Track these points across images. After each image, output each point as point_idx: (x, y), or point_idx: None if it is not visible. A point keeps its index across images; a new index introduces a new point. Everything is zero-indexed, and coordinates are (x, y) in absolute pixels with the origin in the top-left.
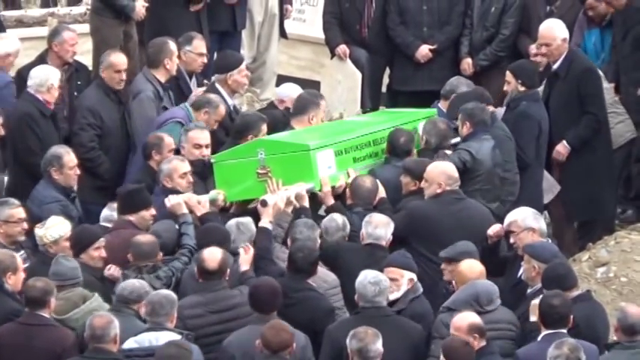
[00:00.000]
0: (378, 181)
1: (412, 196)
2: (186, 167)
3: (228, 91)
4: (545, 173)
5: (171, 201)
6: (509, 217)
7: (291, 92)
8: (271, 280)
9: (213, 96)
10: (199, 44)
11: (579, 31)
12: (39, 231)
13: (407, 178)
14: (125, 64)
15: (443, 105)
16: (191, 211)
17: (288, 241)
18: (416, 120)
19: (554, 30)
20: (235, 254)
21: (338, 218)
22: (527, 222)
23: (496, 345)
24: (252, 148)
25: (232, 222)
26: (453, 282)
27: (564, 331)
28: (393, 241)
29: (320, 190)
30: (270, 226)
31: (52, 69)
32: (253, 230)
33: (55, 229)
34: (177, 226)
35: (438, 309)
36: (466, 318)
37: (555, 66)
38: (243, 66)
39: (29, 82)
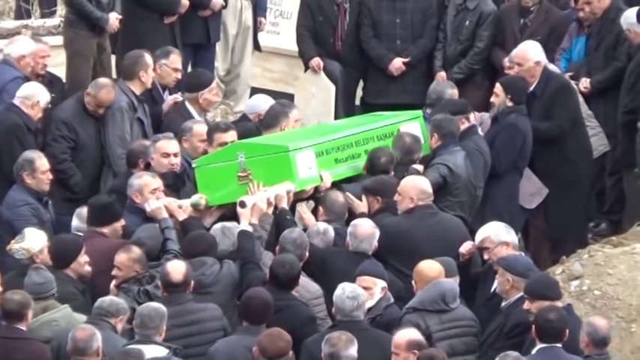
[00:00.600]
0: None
1: (381, 214)
2: (157, 183)
3: (199, 109)
4: (533, 176)
5: (151, 205)
6: (482, 234)
7: (262, 103)
8: (264, 293)
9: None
10: (176, 59)
11: (569, 37)
12: (23, 244)
13: (369, 197)
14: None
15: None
16: (172, 216)
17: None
18: (399, 122)
19: (528, 52)
20: (222, 259)
21: (321, 225)
22: (500, 237)
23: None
24: (233, 152)
25: (218, 226)
26: (413, 282)
27: (559, 345)
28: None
29: (301, 191)
30: (250, 228)
31: (43, 89)
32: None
33: (36, 239)
34: (161, 235)
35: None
36: (405, 335)
37: (532, 87)
38: (213, 84)
39: (17, 94)
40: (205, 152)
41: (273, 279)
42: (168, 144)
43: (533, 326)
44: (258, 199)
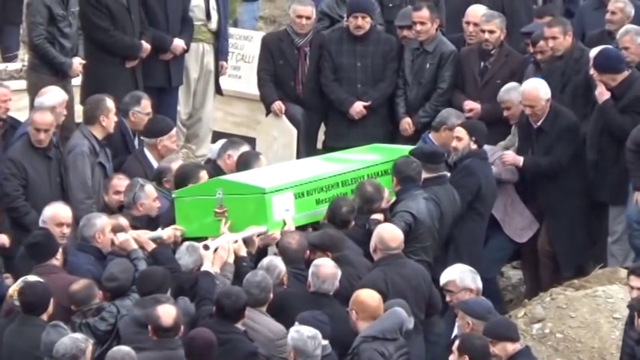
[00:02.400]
0: (304, 236)
1: None
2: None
3: (157, 155)
4: (526, 211)
5: (119, 238)
6: (447, 276)
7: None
8: (207, 333)
9: (161, 166)
10: (147, 104)
11: (526, 79)
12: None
13: (319, 253)
14: (47, 123)
15: (433, 137)
16: (142, 247)
17: None
18: (389, 161)
19: (538, 91)
20: (185, 275)
21: (265, 261)
22: (465, 282)
23: None
24: (212, 187)
25: (184, 245)
26: (353, 312)
27: None
28: None
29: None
30: (212, 270)
31: None
32: (199, 254)
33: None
34: (133, 268)
35: None
36: None
37: (539, 123)
38: (173, 132)
39: None
40: None
41: (219, 311)
42: (152, 188)
43: None
44: (223, 242)
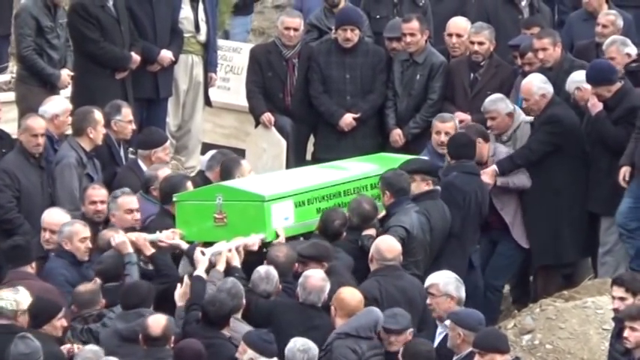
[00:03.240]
0: (293, 248)
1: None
2: (86, 232)
3: (149, 166)
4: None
5: (116, 239)
6: (432, 279)
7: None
8: (195, 343)
9: (147, 174)
10: (127, 112)
11: (515, 91)
12: (17, 296)
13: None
14: (43, 128)
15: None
16: (139, 251)
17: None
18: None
19: (532, 85)
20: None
21: (261, 269)
22: (447, 288)
23: None
24: (212, 192)
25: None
26: (333, 308)
27: None
28: None
29: (271, 242)
30: (204, 275)
31: None
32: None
33: (28, 299)
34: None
35: None
36: None
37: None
38: (167, 144)
39: None
40: None
41: (204, 317)
42: (130, 200)
43: None
44: (222, 249)
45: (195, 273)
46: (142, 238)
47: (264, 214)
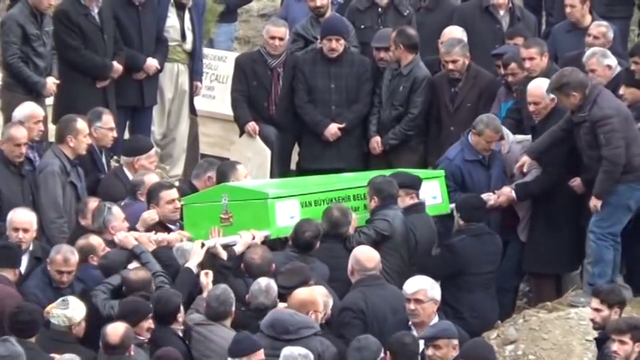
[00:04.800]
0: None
1: None
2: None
3: (134, 174)
4: None
5: (119, 237)
6: (417, 285)
7: None
8: (175, 353)
9: (135, 180)
10: (108, 119)
11: (498, 102)
12: (66, 312)
13: None
14: (25, 137)
15: (472, 138)
16: None
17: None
18: None
19: (542, 89)
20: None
21: (262, 281)
22: (432, 293)
23: None
24: (218, 193)
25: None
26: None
27: None
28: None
29: (276, 239)
30: (195, 270)
31: None
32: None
33: (80, 310)
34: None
35: None
36: None
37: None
38: (152, 152)
39: None
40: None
41: (154, 313)
42: (118, 211)
43: None
44: (218, 243)
45: (187, 264)
46: (145, 236)
47: (267, 211)
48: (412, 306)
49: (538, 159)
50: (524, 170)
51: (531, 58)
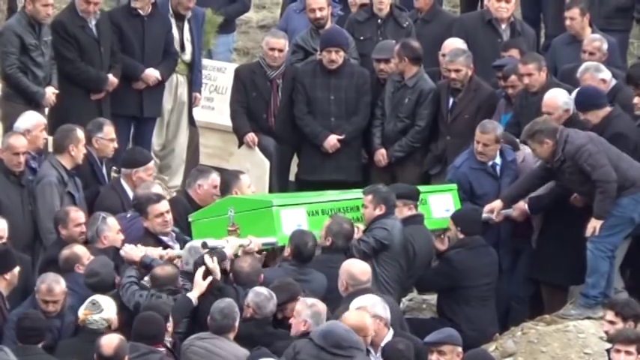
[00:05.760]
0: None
1: None
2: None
3: (131, 185)
4: None
5: (126, 249)
6: (359, 302)
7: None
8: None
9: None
10: (109, 130)
11: (498, 113)
12: (102, 315)
13: None
14: (25, 146)
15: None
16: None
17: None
18: (429, 192)
19: (557, 99)
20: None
21: (264, 290)
22: (375, 309)
23: None
24: (224, 206)
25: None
26: None
27: None
28: None
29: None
30: (194, 300)
31: None
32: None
33: (112, 309)
34: (113, 263)
35: None
36: None
37: None
38: (150, 164)
39: None
40: None
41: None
42: (114, 222)
43: None
44: (224, 244)
45: (189, 294)
46: (146, 249)
47: (272, 218)
48: (375, 326)
49: (511, 205)
50: (494, 217)
51: (529, 74)
